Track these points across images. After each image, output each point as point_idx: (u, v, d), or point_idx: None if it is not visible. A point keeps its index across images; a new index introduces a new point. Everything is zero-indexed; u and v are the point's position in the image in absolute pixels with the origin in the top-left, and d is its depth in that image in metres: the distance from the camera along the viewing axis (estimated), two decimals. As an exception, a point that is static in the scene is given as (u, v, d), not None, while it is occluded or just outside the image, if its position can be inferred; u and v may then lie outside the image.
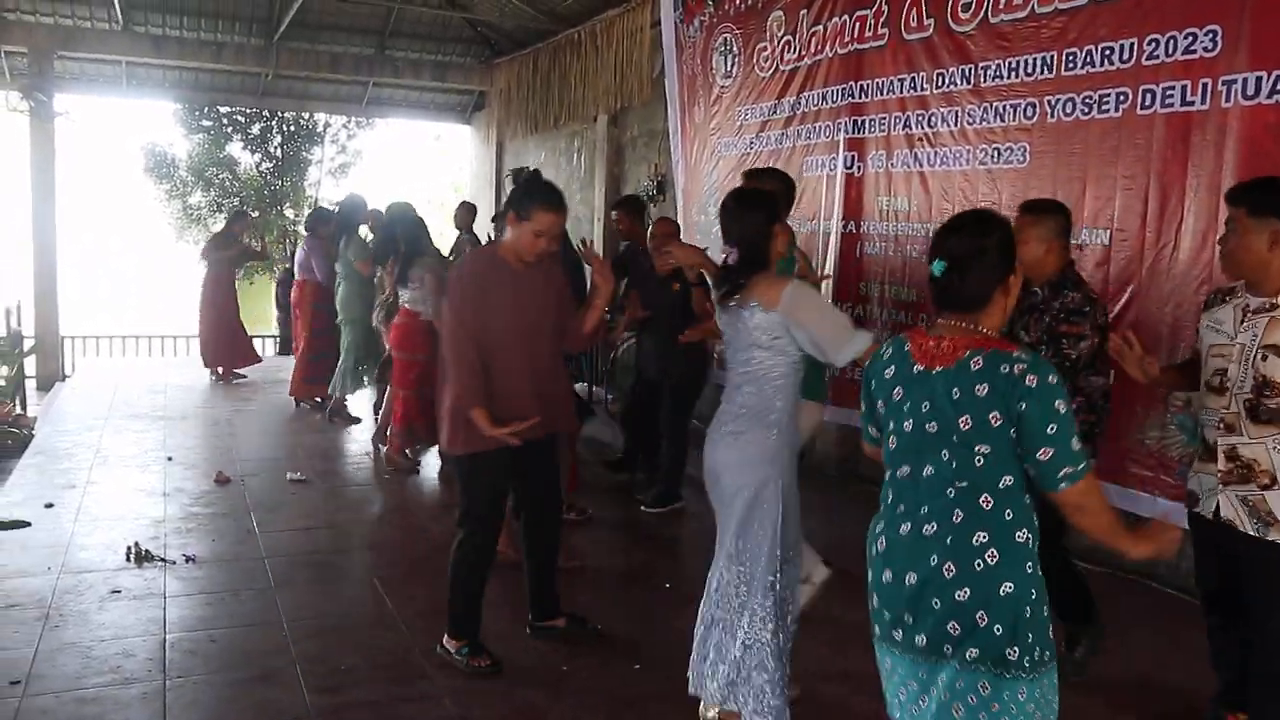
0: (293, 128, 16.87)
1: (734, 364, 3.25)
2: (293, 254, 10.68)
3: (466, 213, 9.11)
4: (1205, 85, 4.23)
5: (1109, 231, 4.69)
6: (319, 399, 8.62)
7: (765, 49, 7.09)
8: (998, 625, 2.17)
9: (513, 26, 11.26)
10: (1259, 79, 4.03)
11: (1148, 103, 4.48)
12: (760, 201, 3.32)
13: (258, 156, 16.91)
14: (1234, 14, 4.11)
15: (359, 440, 7.70)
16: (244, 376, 10.21)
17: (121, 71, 12.14)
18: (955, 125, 5.49)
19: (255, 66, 12.00)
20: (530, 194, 3.65)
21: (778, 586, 3.17)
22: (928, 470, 2.28)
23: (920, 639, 2.26)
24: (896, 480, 2.37)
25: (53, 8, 10.48)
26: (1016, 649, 2.18)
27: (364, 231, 8.03)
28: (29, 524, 5.33)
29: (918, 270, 5.81)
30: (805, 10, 6.63)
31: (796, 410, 3.27)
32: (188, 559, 4.91)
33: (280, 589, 4.60)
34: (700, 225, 7.83)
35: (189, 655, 3.89)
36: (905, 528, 2.30)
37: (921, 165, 5.76)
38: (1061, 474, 2.16)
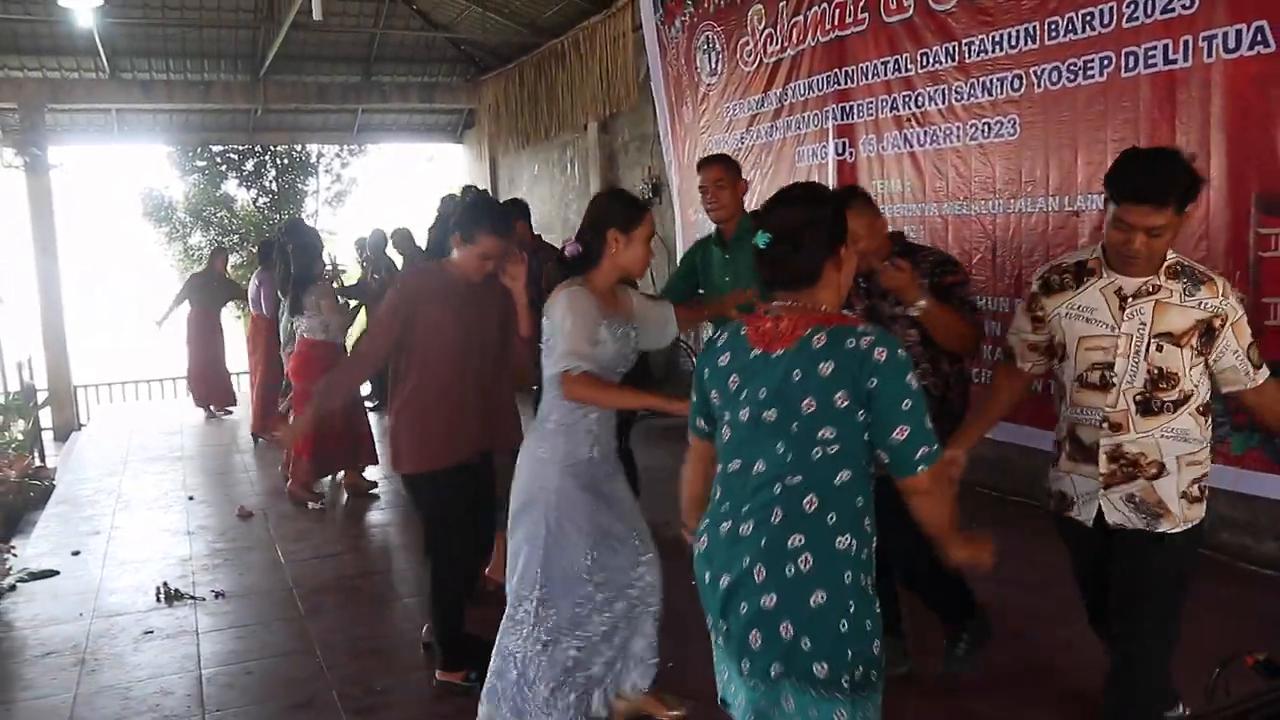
0: (286, 161, 16.94)
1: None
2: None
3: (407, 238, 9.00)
4: (1186, 43, 4.25)
5: (1103, 196, 4.68)
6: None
7: (747, 43, 7.12)
8: (805, 638, 2.00)
9: (496, 42, 11.31)
10: (1239, 31, 4.05)
11: (1131, 65, 4.50)
12: (615, 200, 3.19)
13: (254, 192, 16.98)
14: (1210, -31, 4.13)
15: (382, 465, 7.74)
16: (230, 413, 10.28)
17: (112, 119, 12.24)
18: (943, 103, 5.52)
19: (244, 103, 12.07)
20: (477, 219, 3.56)
21: (531, 616, 3.11)
22: (759, 465, 2.11)
23: (731, 645, 2.11)
24: (726, 475, 2.19)
25: (39, 61, 10.57)
26: (825, 666, 2.00)
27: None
28: (58, 573, 5.37)
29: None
30: (784, 2, 6.66)
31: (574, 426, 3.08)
32: (217, 595, 4.95)
33: (311, 617, 4.64)
34: (698, 224, 7.86)
35: (226, 689, 3.93)
36: (725, 526, 2.13)
37: (912, 145, 5.78)
38: (919, 454, 2.00)
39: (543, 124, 10.84)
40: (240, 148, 15.82)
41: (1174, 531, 2.62)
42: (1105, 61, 4.61)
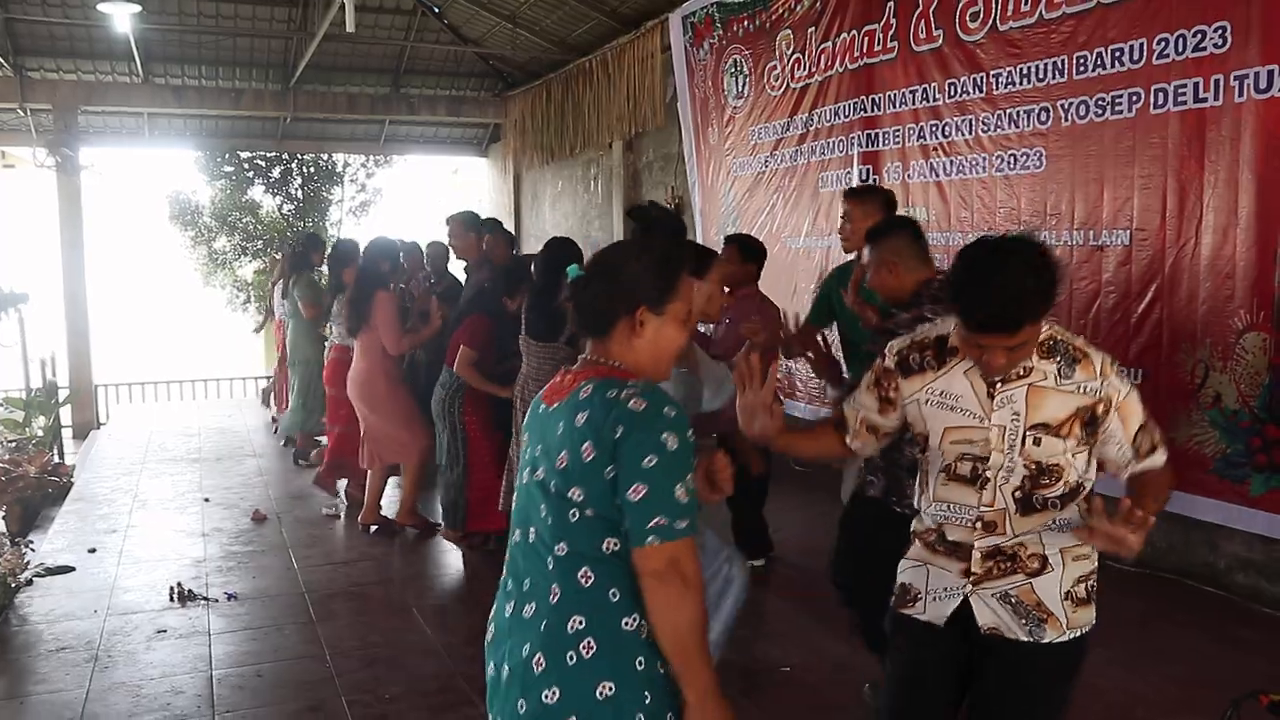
0: (312, 169, 17.05)
1: None
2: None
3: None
4: (1217, 81, 4.26)
5: (1129, 232, 4.70)
6: (285, 443, 8.61)
7: (775, 68, 7.16)
8: None
9: (525, 58, 11.39)
10: (1271, 72, 4.06)
11: (1161, 102, 4.50)
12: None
13: (279, 199, 17.09)
14: (1242, 9, 4.14)
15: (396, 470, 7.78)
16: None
17: (144, 122, 12.39)
18: (970, 134, 5.53)
19: (274, 111, 12.19)
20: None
21: None
22: (532, 531, 1.87)
23: None
24: (512, 547, 1.95)
25: (75, 64, 10.72)
26: None
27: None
28: (73, 569, 5.41)
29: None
30: (813, 28, 6.70)
31: None
32: (230, 597, 4.98)
33: (322, 622, 4.65)
34: (719, 245, 7.87)
35: (237, 690, 3.95)
36: (509, 608, 1.89)
37: (938, 175, 5.79)
38: (652, 523, 1.71)
39: (568, 141, 10.90)
40: (268, 155, 15.96)
41: (1059, 640, 2.23)
42: (1134, 97, 4.61)
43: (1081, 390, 2.16)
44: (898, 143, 6.09)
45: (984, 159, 5.47)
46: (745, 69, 7.54)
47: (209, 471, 7.93)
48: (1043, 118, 5.09)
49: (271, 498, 7.01)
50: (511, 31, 10.58)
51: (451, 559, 5.68)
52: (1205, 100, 4.32)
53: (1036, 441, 2.17)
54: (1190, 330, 4.45)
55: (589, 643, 1.76)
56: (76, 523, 6.48)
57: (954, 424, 2.25)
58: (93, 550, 5.79)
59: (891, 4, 6.00)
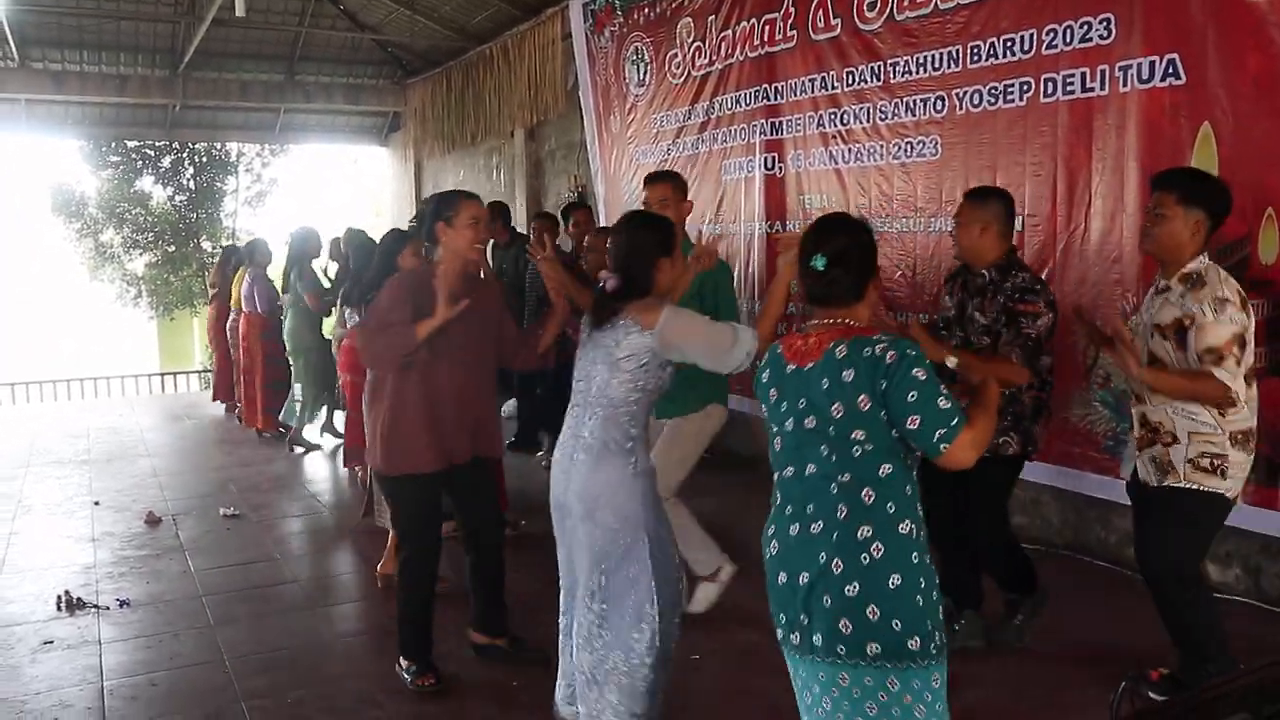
0: (205, 159, 16.58)
1: (585, 389, 3.10)
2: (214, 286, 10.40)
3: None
4: (1103, 71, 4.37)
5: (1021, 218, 4.79)
6: (283, 429, 8.48)
7: (676, 56, 7.16)
8: (896, 620, 2.18)
9: (424, 46, 11.21)
10: (1152, 63, 4.18)
11: (1050, 91, 4.61)
12: (653, 228, 3.15)
13: (170, 190, 16.59)
14: (1125, 2, 4.25)
15: (298, 469, 7.60)
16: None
17: (20, 109, 11.81)
18: (868, 121, 5.60)
19: (162, 98, 11.77)
20: (448, 196, 3.71)
21: (654, 620, 3.01)
22: (810, 468, 2.32)
23: (817, 638, 2.24)
24: (783, 481, 2.40)
25: (-56, 48, 10.20)
26: (917, 639, 2.19)
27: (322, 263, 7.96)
28: (-49, 580, 5.15)
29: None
30: (714, 16, 6.71)
31: (648, 435, 3.19)
32: (122, 603, 4.78)
33: (220, 626, 4.51)
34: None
35: (130, 701, 3.80)
36: (794, 528, 2.32)
37: (837, 162, 5.86)
38: (936, 436, 2.19)
39: (469, 129, 10.77)
40: (157, 144, 15.44)
41: (1178, 485, 3.17)
42: (1025, 86, 4.72)
43: (1183, 307, 3.10)
44: (800, 130, 6.13)
45: (881, 146, 5.55)
46: (646, 57, 7.52)
47: (99, 473, 7.63)
48: (938, 106, 5.17)
49: (167, 499, 6.77)
50: (410, 18, 10.39)
51: (352, 557, 5.56)
52: (1092, 90, 4.43)
53: (1151, 335, 3.21)
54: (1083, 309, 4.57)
55: (878, 546, 2.20)
56: (-45, 531, 6.17)
57: (1136, 321, 3.36)
58: (-28, 559, 5.52)
59: (790, -7, 6.03)
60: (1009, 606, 3.90)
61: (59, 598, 4.79)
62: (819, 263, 2.36)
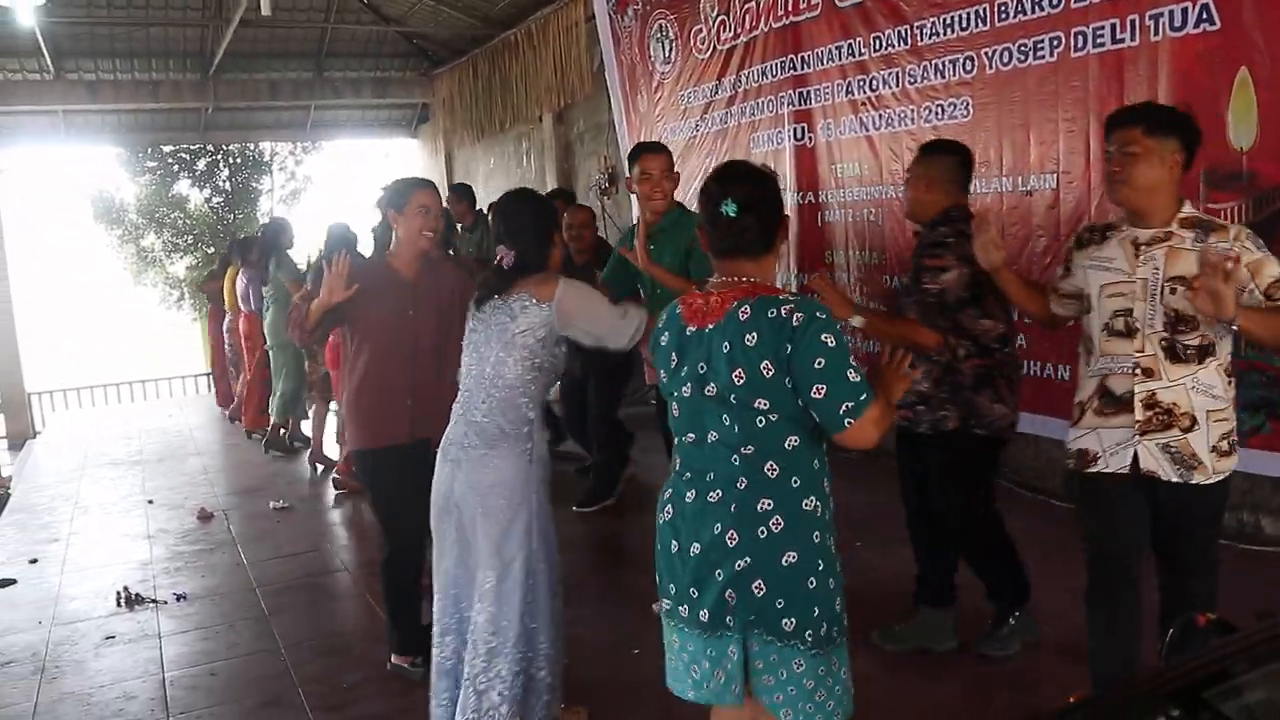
0: (239, 159, 16.75)
1: (478, 372, 2.99)
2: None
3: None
4: (1133, 21, 4.29)
5: (1055, 175, 4.75)
6: (283, 429, 8.45)
7: (700, 31, 7.12)
8: (779, 598, 2.10)
9: (449, 35, 11.23)
10: (1184, 10, 4.09)
11: (1080, 45, 4.54)
12: (544, 203, 3.17)
13: (207, 192, 16.79)
14: (1154, -52, 4.17)
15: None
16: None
17: (59, 120, 11.99)
18: (897, 86, 5.54)
19: (194, 102, 11.90)
20: (401, 184, 3.67)
21: (529, 630, 2.97)
22: (711, 435, 2.18)
23: (703, 613, 2.16)
24: (684, 446, 2.26)
25: (-19, 63, 10.37)
26: (793, 621, 2.10)
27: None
28: (15, 581, 5.29)
29: (877, 234, 5.87)
30: (736, -12, 6.67)
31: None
32: (179, 597, 4.89)
33: (275, 616, 4.59)
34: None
35: (191, 691, 3.89)
36: (691, 495, 2.20)
37: (868, 129, 5.80)
38: (842, 410, 2.06)
39: (497, 116, 10.79)
40: (192, 147, 15.62)
41: (1207, 483, 2.72)
42: (1055, 42, 4.65)
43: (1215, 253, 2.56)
44: (828, 99, 6.08)
45: (912, 110, 5.49)
46: (671, 33, 7.48)
47: (151, 473, 7.78)
48: (968, 67, 5.11)
49: (217, 495, 6.90)
50: (433, 8, 10.41)
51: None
52: (1122, 41, 4.35)
53: (1172, 290, 2.65)
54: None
55: (776, 520, 2.10)
56: (16, 534, 6.33)
57: (1108, 280, 2.77)
58: (34, 561, 5.66)
59: (812, -40, 5.98)
60: (998, 614, 3.59)
61: (118, 594, 4.91)
62: (730, 208, 2.17)
